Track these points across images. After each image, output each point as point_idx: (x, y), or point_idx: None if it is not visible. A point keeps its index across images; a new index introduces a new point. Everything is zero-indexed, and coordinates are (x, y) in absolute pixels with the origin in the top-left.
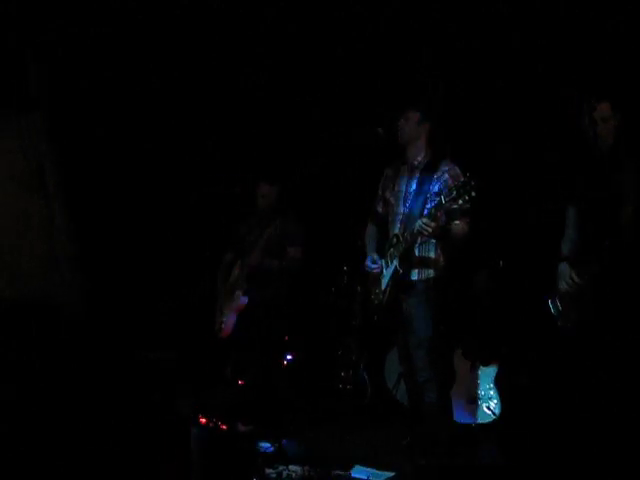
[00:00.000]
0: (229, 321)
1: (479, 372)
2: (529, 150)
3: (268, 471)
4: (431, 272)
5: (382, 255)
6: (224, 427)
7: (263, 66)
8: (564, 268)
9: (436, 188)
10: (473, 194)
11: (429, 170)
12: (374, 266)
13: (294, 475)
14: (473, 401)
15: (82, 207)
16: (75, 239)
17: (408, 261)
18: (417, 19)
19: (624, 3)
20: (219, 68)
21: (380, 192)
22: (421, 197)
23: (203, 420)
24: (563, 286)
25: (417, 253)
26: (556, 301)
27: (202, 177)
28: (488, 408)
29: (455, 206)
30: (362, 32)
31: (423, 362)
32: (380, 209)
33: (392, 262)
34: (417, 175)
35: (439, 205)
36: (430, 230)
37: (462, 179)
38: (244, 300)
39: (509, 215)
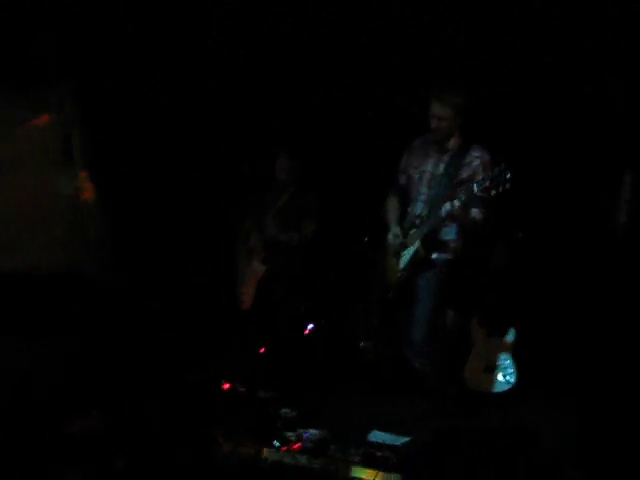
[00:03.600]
0: (250, 291)
1: (496, 341)
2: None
3: (288, 434)
4: (450, 255)
5: (402, 232)
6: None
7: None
8: None
9: (464, 174)
10: (507, 186)
11: (459, 154)
12: (397, 241)
13: (313, 438)
14: (489, 370)
15: (109, 176)
16: (102, 210)
17: (430, 244)
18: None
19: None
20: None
21: (404, 165)
22: (448, 181)
23: (226, 385)
24: None
25: (438, 236)
26: None
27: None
28: (504, 377)
29: (480, 194)
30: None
31: (424, 331)
32: (403, 182)
33: (414, 243)
34: (446, 158)
35: (470, 192)
36: (456, 215)
37: (496, 169)
38: (263, 269)
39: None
